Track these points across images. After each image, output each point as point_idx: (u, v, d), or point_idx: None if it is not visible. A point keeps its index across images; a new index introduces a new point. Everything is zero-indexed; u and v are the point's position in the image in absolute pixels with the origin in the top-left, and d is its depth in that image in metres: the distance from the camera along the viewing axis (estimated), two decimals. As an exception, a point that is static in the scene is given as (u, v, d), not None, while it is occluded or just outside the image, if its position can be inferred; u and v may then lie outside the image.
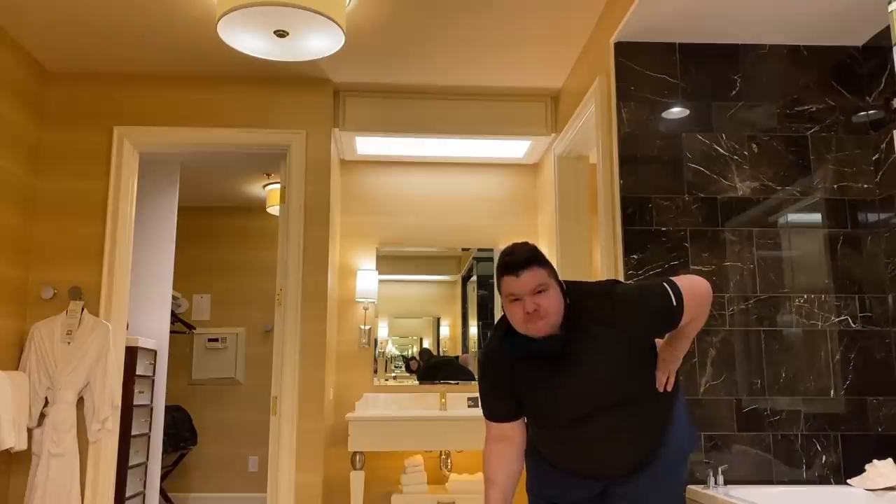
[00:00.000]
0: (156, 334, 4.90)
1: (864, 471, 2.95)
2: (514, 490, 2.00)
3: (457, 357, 4.78)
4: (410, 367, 4.73)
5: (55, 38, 3.71)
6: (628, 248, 3.11)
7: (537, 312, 1.82)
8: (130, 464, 4.38)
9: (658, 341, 2.07)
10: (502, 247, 4.84)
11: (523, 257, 1.83)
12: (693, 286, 1.89)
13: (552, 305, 1.84)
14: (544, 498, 2.09)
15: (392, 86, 4.35)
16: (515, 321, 1.87)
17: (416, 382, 4.71)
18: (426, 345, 4.78)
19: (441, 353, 4.78)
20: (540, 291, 1.83)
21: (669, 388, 2.01)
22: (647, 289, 1.91)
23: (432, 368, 4.74)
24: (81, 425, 3.73)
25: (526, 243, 1.90)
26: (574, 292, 1.94)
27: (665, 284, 1.90)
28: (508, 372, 1.97)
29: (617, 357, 1.87)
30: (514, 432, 2.02)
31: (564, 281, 1.98)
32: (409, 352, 4.76)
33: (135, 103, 4.10)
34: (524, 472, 2.14)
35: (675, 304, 1.87)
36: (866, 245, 3.18)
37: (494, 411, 2.03)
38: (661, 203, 3.16)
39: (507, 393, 1.99)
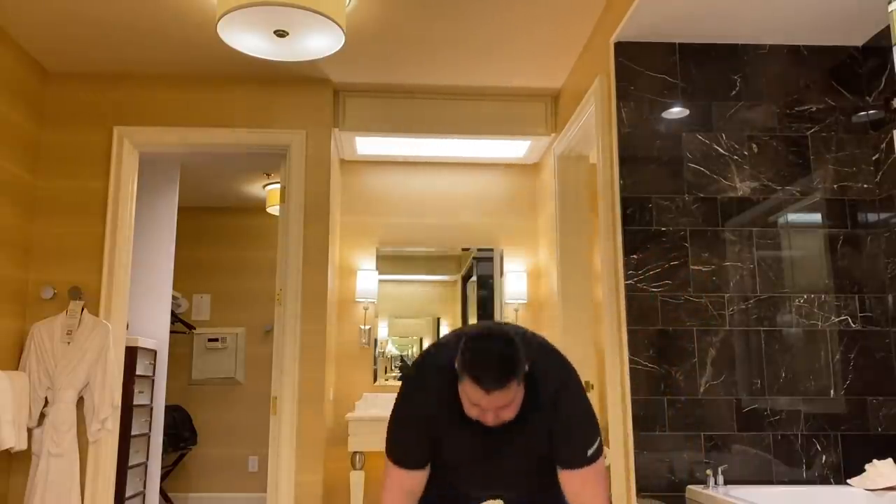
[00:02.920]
0: (156, 334, 4.90)
1: (864, 471, 2.95)
2: None
3: None
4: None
5: (55, 38, 3.71)
6: (628, 248, 3.11)
7: (497, 418, 1.64)
8: (130, 464, 4.38)
9: None
10: (502, 247, 4.85)
11: (498, 374, 1.57)
12: (607, 483, 1.76)
13: (511, 414, 1.65)
14: None
15: (392, 86, 4.35)
16: (471, 414, 1.66)
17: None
18: (427, 346, 4.78)
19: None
20: (505, 407, 1.63)
21: None
22: (592, 416, 1.75)
23: None
24: (81, 425, 3.73)
25: (502, 342, 1.60)
26: (533, 366, 1.73)
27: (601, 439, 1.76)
28: (445, 414, 1.71)
29: (537, 443, 1.73)
30: (421, 486, 1.74)
31: (525, 341, 1.75)
32: (409, 352, 4.76)
33: (135, 103, 4.10)
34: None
35: (598, 445, 1.73)
36: (866, 245, 3.18)
37: (413, 454, 1.70)
38: (661, 203, 3.16)
39: (430, 428, 1.70)
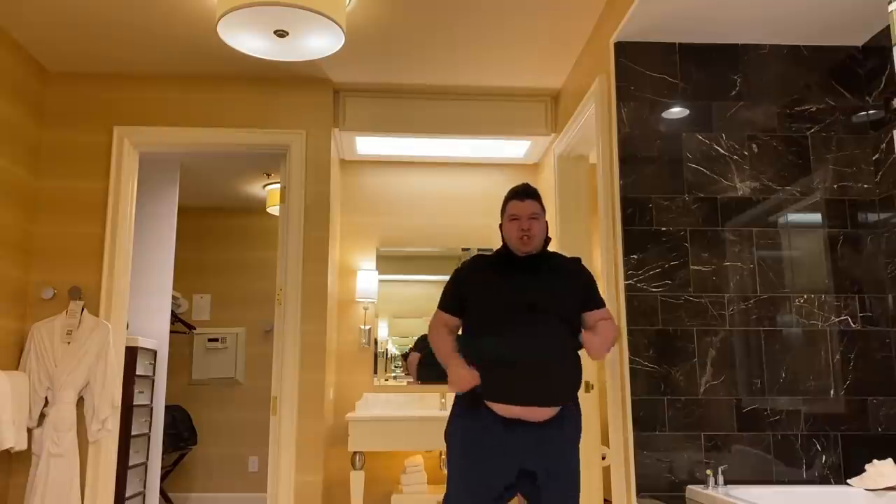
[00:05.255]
0: (156, 334, 4.90)
1: (864, 471, 2.95)
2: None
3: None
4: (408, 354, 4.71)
5: (55, 38, 3.71)
6: (628, 248, 3.11)
7: (529, 231, 2.45)
8: (130, 464, 4.38)
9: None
10: (502, 247, 4.84)
11: (530, 190, 2.51)
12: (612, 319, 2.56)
13: (539, 231, 2.48)
14: (472, 459, 2.38)
15: (392, 86, 4.35)
16: (511, 236, 2.49)
17: (416, 382, 4.71)
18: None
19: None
20: (534, 218, 2.47)
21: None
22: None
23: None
24: (81, 425, 3.73)
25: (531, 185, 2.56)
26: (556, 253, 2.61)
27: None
28: (479, 276, 2.52)
29: (564, 289, 2.46)
30: (453, 324, 2.58)
31: None
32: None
33: (135, 103, 4.10)
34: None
35: (601, 298, 2.56)
36: (866, 245, 3.18)
37: (450, 302, 2.57)
38: (661, 203, 3.16)
39: (466, 291, 2.52)
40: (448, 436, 2.49)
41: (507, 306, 2.41)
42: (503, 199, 2.57)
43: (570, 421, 2.44)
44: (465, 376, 2.40)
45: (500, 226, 2.56)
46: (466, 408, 2.45)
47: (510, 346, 2.37)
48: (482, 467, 2.36)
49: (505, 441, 2.36)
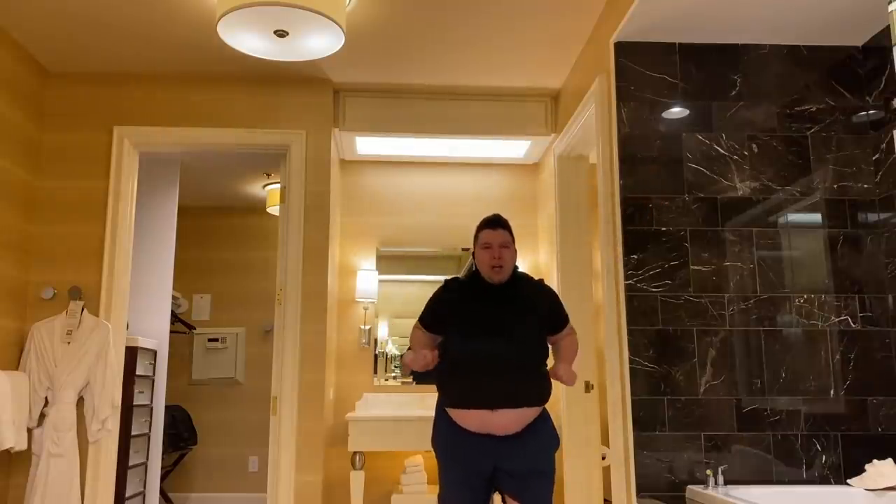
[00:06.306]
0: (156, 334, 4.90)
1: (864, 471, 2.95)
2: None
3: None
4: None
5: (55, 37, 3.71)
6: (628, 248, 3.11)
7: (500, 259, 2.58)
8: (130, 464, 4.38)
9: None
10: (502, 247, 4.84)
11: (501, 221, 2.66)
12: (574, 335, 2.76)
13: (510, 260, 2.61)
14: (453, 460, 2.55)
15: (392, 86, 4.35)
16: (483, 264, 2.61)
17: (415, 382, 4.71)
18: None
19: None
20: (505, 247, 2.60)
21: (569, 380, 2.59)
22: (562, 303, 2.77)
23: None
24: (81, 425, 3.73)
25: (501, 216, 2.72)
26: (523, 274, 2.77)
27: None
28: (458, 298, 2.65)
29: (533, 312, 2.59)
30: (430, 340, 2.74)
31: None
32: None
33: (135, 103, 4.10)
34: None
35: (566, 315, 2.72)
36: (866, 245, 3.18)
37: (430, 320, 2.72)
38: (661, 203, 3.16)
39: (447, 311, 2.66)
40: (431, 440, 2.69)
41: (479, 330, 2.55)
42: (475, 228, 2.68)
43: (543, 429, 2.56)
44: (425, 355, 2.63)
45: (473, 253, 2.71)
46: (441, 420, 2.62)
47: (478, 362, 2.51)
48: (460, 465, 2.53)
49: (477, 444, 2.51)
